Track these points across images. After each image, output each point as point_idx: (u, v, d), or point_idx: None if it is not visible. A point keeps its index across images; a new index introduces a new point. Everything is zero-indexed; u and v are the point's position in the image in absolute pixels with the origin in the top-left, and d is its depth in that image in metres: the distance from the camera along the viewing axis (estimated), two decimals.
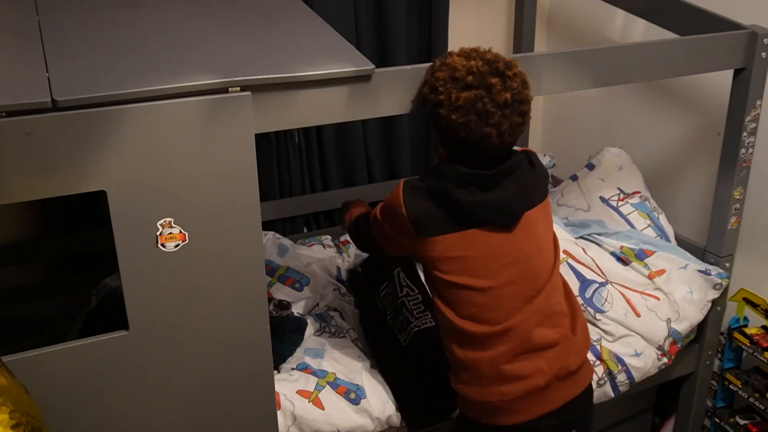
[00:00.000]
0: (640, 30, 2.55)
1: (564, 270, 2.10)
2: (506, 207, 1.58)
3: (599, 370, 2.03)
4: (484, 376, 1.62)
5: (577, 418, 1.70)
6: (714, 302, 2.21)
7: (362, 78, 1.54)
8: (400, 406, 1.89)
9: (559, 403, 1.64)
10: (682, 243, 2.33)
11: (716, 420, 2.35)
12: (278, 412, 1.76)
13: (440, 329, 1.73)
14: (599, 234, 2.29)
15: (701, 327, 2.26)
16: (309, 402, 1.83)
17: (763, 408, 2.17)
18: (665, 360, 2.11)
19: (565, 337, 1.65)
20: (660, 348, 2.09)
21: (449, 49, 2.73)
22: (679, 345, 2.15)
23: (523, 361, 1.61)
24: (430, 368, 1.95)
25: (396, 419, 1.89)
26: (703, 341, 2.28)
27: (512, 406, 1.62)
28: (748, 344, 2.19)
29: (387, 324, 2.05)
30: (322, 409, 1.83)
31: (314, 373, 1.92)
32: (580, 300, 2.09)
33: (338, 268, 2.48)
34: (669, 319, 2.11)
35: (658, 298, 2.13)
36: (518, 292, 1.61)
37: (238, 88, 1.43)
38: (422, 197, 1.58)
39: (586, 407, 1.73)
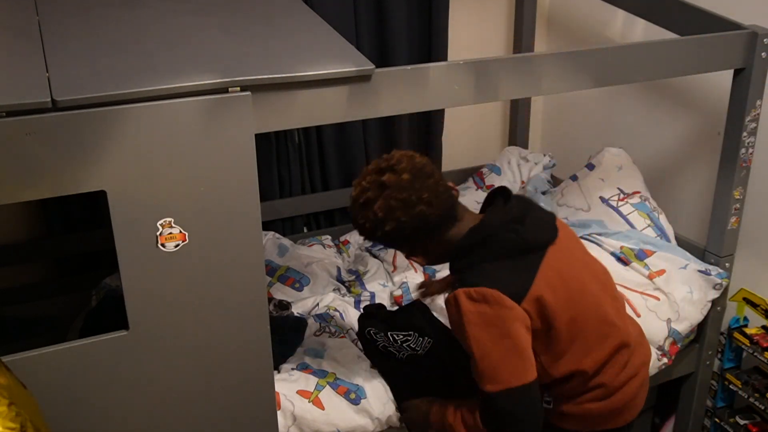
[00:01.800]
0: (640, 30, 2.55)
1: None
2: (547, 221, 1.64)
3: None
4: (609, 387, 1.63)
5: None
6: (714, 302, 2.21)
7: (362, 78, 1.54)
8: (400, 406, 1.89)
9: (647, 386, 1.75)
10: (682, 243, 2.33)
11: (716, 420, 2.35)
12: (278, 412, 1.76)
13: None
14: (599, 234, 2.29)
15: (701, 327, 2.26)
16: (309, 402, 1.83)
17: (763, 408, 2.17)
18: (665, 360, 2.11)
19: (638, 329, 1.77)
20: (660, 348, 2.09)
21: (449, 49, 2.77)
22: (679, 345, 2.15)
23: (630, 359, 1.67)
24: (429, 370, 1.95)
25: (396, 419, 1.89)
26: (703, 341, 2.28)
27: (632, 402, 1.68)
28: (748, 344, 2.19)
29: (379, 350, 2.04)
30: (322, 409, 1.83)
31: (314, 373, 1.92)
32: None
33: (338, 268, 2.48)
34: (669, 319, 2.11)
35: (658, 299, 2.13)
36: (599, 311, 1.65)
37: (238, 88, 1.43)
38: (488, 270, 1.52)
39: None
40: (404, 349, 2.01)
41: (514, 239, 1.53)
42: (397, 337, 2.07)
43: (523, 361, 1.48)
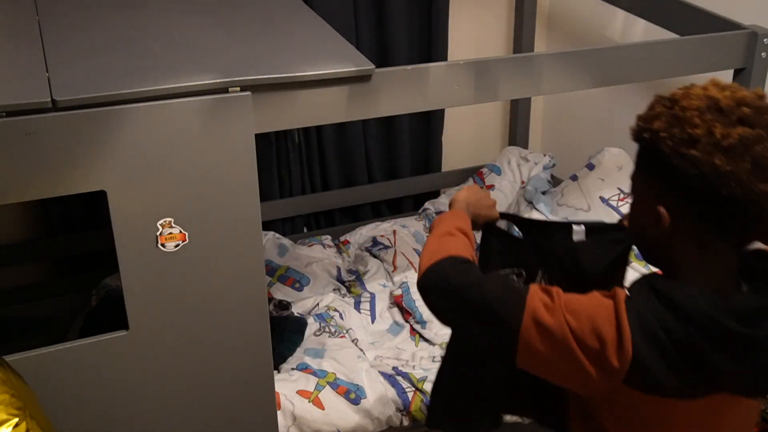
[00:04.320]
0: (640, 30, 2.55)
1: None
2: None
3: None
4: None
5: None
6: None
7: (362, 78, 1.54)
8: (432, 401, 1.74)
9: None
10: None
11: None
12: (278, 412, 1.76)
13: None
14: None
15: None
16: (309, 402, 1.83)
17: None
18: None
19: None
20: None
21: (449, 49, 2.77)
22: None
23: None
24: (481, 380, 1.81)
25: (396, 419, 1.89)
26: None
27: None
28: None
29: None
30: (322, 409, 1.83)
31: (314, 373, 1.92)
32: None
33: (338, 268, 2.48)
34: None
35: None
36: None
37: (238, 88, 1.43)
38: (655, 337, 1.04)
39: None
40: None
41: (713, 368, 1.04)
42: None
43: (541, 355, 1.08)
